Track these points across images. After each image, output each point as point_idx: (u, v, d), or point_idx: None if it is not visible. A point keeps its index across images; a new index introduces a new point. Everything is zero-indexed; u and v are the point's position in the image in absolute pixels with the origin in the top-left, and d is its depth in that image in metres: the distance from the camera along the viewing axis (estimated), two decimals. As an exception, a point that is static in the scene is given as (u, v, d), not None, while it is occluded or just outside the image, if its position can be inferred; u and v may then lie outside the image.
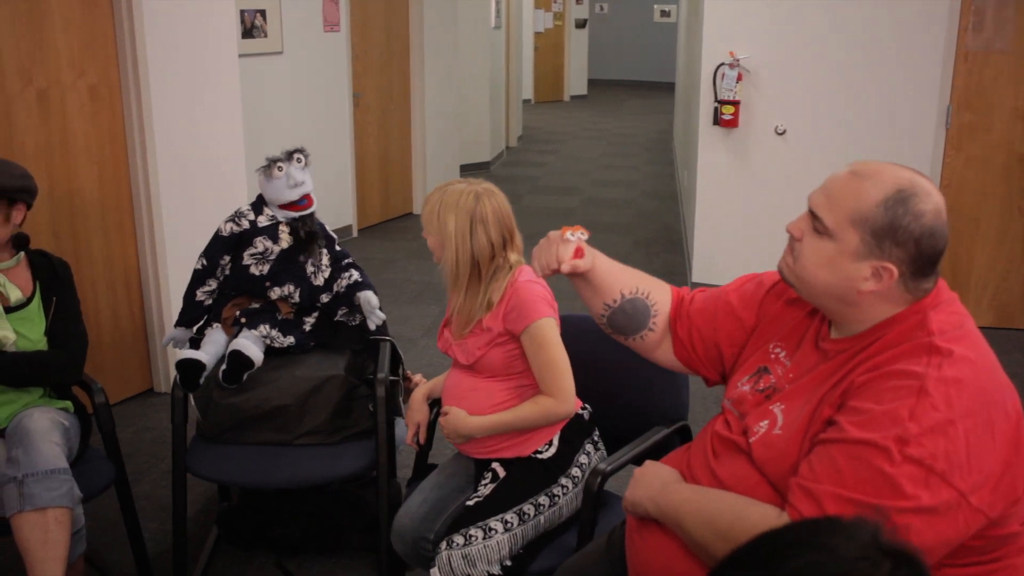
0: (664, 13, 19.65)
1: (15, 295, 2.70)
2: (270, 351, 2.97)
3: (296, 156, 2.93)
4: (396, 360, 3.12)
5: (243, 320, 2.97)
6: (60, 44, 3.82)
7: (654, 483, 1.81)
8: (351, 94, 7.36)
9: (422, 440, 2.65)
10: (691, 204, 6.28)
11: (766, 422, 1.69)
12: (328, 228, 3.12)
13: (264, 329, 2.94)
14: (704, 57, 5.44)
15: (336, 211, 7.38)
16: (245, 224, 2.96)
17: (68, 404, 2.78)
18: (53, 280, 2.80)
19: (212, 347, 2.91)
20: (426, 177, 8.46)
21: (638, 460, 2.38)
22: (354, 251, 7.60)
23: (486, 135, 10.50)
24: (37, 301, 2.76)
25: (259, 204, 3.00)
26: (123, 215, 4.20)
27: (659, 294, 2.00)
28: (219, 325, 3.00)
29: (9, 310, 2.69)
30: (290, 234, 2.97)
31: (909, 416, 1.45)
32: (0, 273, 2.71)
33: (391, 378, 3.05)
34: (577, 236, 1.89)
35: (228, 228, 2.97)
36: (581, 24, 17.93)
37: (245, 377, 2.81)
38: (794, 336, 1.79)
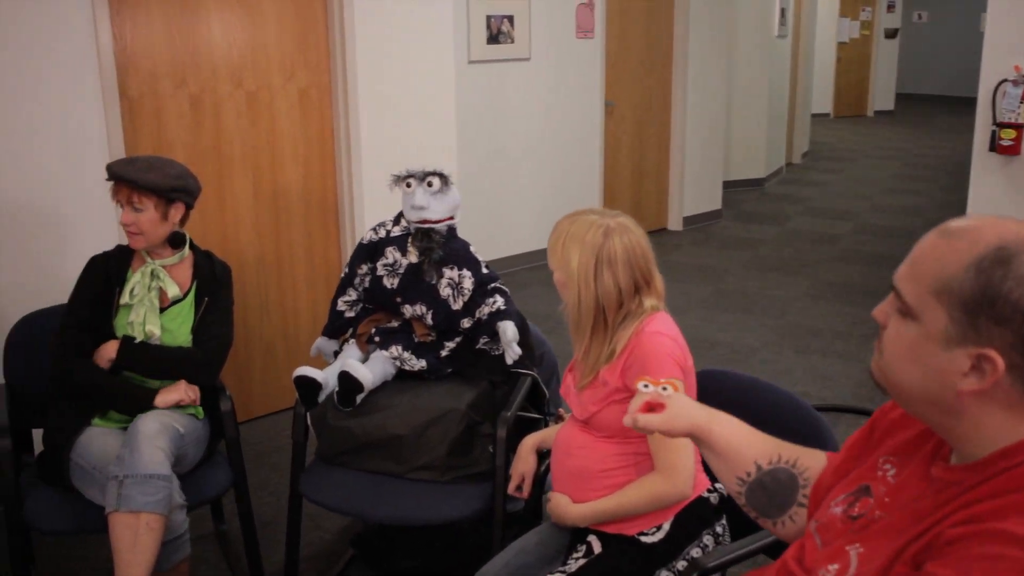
0: (994, 22, 17.72)
1: (173, 291, 2.75)
2: (402, 374, 2.82)
3: (429, 180, 2.75)
4: (540, 397, 2.87)
5: (377, 338, 2.84)
6: (272, 48, 3.90)
7: None
8: (603, 102, 7.14)
9: (525, 493, 2.38)
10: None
11: (835, 567, 1.27)
12: (473, 249, 2.90)
13: (396, 350, 2.79)
14: (983, 71, 4.68)
15: (579, 222, 7.20)
16: (382, 233, 2.85)
17: (198, 410, 2.77)
18: (210, 281, 2.82)
19: (352, 360, 2.79)
20: (683, 192, 8.06)
21: (770, 554, 1.98)
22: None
23: (761, 150, 9.90)
24: (190, 299, 2.79)
25: (400, 215, 2.86)
26: (327, 216, 4.24)
27: (810, 459, 1.55)
28: (356, 341, 2.89)
29: (164, 306, 2.73)
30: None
31: None
32: (161, 268, 2.75)
33: (532, 416, 2.81)
34: (653, 389, 1.54)
35: (368, 236, 2.86)
36: (891, 34, 16.57)
37: (358, 400, 2.66)
38: (908, 450, 1.33)
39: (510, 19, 6.18)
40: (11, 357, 2.83)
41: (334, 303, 2.94)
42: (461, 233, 2.92)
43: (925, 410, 1.20)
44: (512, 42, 6.25)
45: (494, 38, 6.13)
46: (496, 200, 6.51)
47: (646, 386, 1.55)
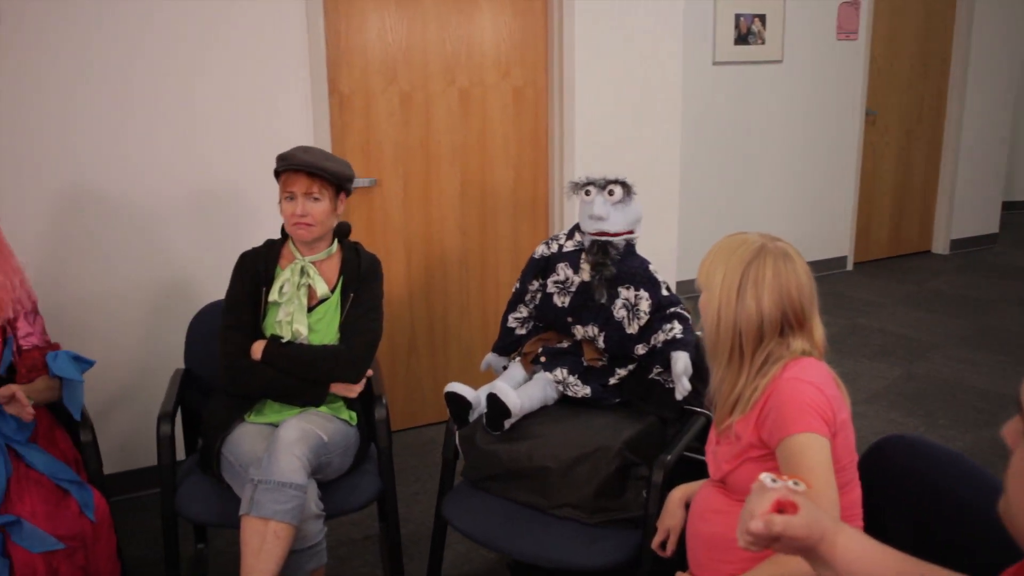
0: None
1: (321, 288, 2.65)
2: (566, 399, 2.62)
3: (610, 188, 2.52)
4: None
5: (543, 359, 2.65)
6: (487, 45, 3.81)
7: None
8: (863, 111, 6.54)
9: (669, 551, 2.11)
10: None
11: None
12: (652, 268, 2.64)
13: (560, 373, 2.59)
14: None
15: (830, 239, 6.67)
16: (554, 247, 2.65)
17: (351, 416, 2.69)
18: (356, 276, 2.69)
19: (502, 383, 2.62)
20: (952, 212, 7.25)
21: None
22: (842, 287, 6.85)
23: (1055, 169, 8.80)
24: (336, 297, 2.68)
25: (574, 229, 2.65)
26: (536, 220, 4.11)
27: None
28: (521, 359, 2.72)
29: (312, 304, 2.67)
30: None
31: None
32: (311, 265, 2.67)
33: (703, 460, 2.52)
34: (783, 484, 1.22)
35: (540, 251, 2.68)
36: None
37: (507, 425, 2.48)
38: None
39: (761, 18, 5.78)
40: (192, 344, 2.90)
41: (505, 319, 2.79)
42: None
43: None
44: (763, 43, 5.84)
45: (743, 38, 5.76)
46: (730, 212, 6.12)
47: (774, 480, 1.23)
